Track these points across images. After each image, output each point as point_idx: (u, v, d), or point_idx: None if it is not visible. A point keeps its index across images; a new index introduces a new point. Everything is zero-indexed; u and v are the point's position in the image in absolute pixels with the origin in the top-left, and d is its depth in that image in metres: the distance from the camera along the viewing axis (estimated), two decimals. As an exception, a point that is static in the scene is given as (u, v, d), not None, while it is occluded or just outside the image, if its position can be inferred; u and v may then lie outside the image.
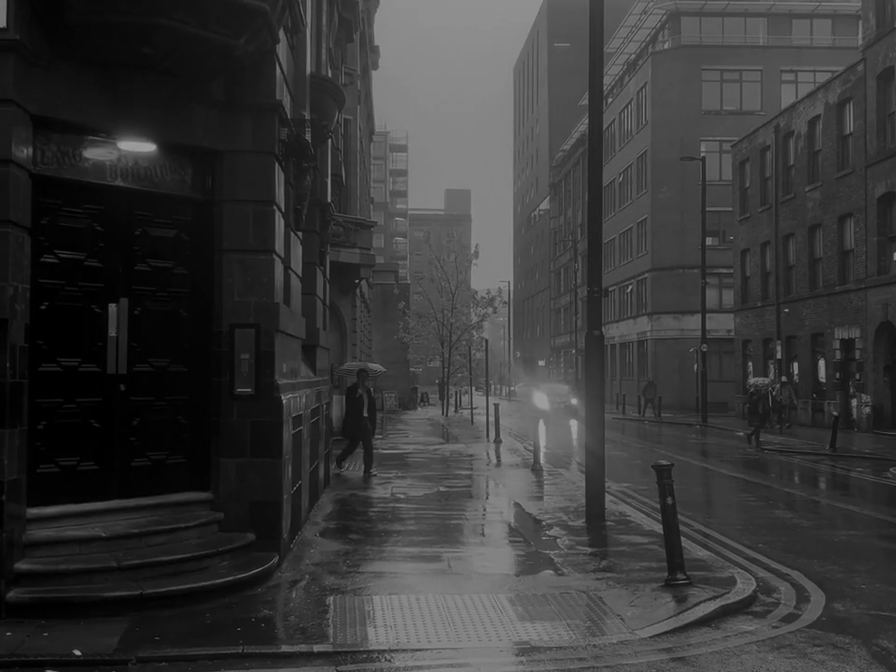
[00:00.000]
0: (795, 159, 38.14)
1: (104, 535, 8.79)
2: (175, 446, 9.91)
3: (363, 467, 18.74)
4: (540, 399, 29.54)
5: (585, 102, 62.20)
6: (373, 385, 27.76)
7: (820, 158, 35.95)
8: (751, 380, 34.70)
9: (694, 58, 54.06)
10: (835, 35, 56.25)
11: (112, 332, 9.39)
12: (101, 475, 9.27)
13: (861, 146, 32.67)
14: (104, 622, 7.72)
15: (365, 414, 18.85)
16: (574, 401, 45.22)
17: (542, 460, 20.40)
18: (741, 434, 31.31)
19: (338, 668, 6.86)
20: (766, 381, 32.78)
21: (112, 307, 9.39)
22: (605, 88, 46.73)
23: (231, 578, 8.80)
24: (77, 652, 6.99)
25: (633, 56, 64.48)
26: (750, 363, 42.83)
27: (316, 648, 7.24)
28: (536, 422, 21.07)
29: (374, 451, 19.68)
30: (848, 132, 33.89)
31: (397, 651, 7.25)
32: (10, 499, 7.91)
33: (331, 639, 7.45)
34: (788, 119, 38.91)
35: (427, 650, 7.28)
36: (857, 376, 32.50)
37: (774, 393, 32.60)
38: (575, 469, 20.12)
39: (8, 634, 7.39)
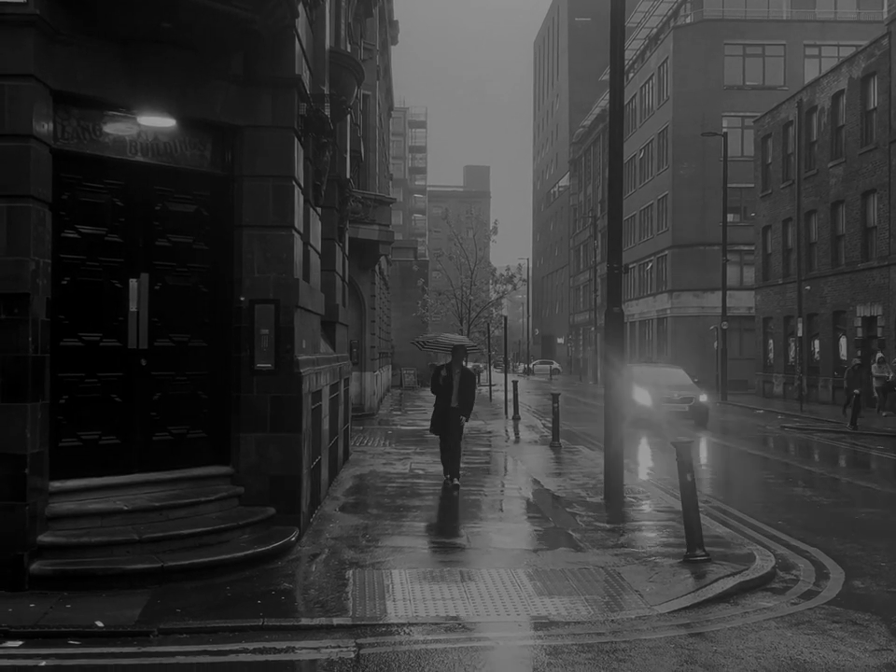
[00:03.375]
0: (818, 134, 37.74)
1: (125, 508, 8.86)
2: (195, 421, 9.97)
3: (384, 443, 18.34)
4: (642, 396, 22.61)
5: (606, 77, 61.71)
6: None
7: (843, 133, 35.56)
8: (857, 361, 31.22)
9: (717, 32, 53.48)
10: (860, 9, 55.50)
11: (133, 307, 9.43)
12: (122, 449, 9.34)
13: (884, 121, 32.28)
14: (125, 594, 7.80)
15: (454, 404, 14.35)
16: (703, 398, 27.51)
17: (561, 437, 20.41)
18: (761, 412, 31.17)
19: (357, 641, 6.91)
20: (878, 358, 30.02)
21: (133, 282, 9.43)
22: (626, 63, 46.36)
23: (251, 551, 8.88)
24: (100, 624, 7.07)
25: (654, 30, 63.82)
26: (771, 341, 42.62)
27: (336, 621, 7.30)
28: (555, 400, 21.01)
29: (394, 427, 19.15)
30: (872, 106, 33.48)
31: (415, 624, 7.29)
32: (33, 472, 7.99)
33: (350, 612, 7.50)
34: (811, 94, 38.49)
35: (445, 623, 7.31)
36: (879, 354, 32.25)
37: (881, 371, 30.21)
38: (593, 446, 20.10)
39: (32, 605, 7.48)
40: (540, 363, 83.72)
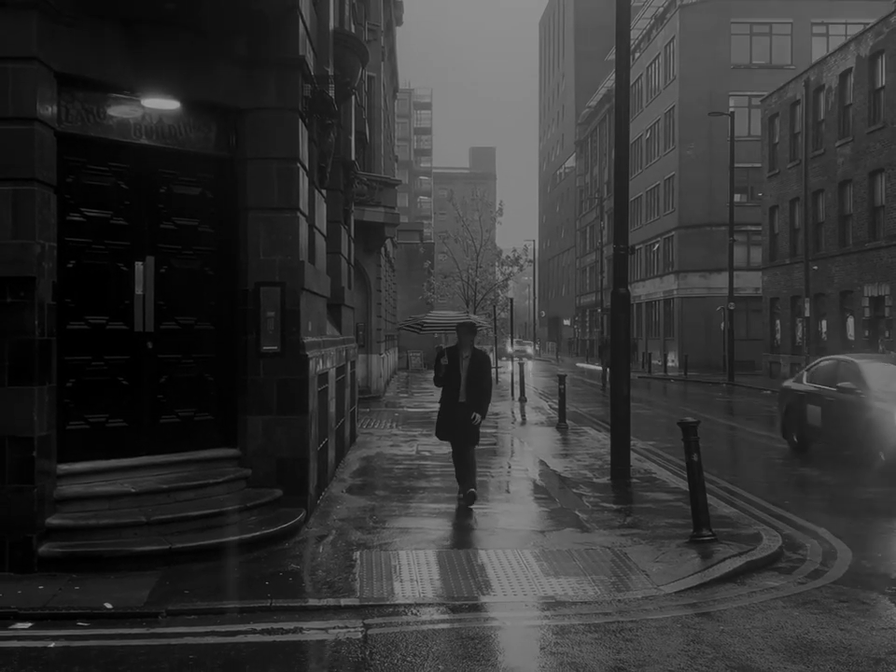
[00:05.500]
0: (826, 113, 37.51)
1: (133, 490, 8.89)
2: (202, 403, 9.99)
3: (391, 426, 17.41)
4: None
5: (612, 57, 61.35)
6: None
7: (851, 112, 35.32)
8: None
9: (723, 10, 53.08)
10: (868, -13, 55.01)
11: (139, 290, 9.44)
12: (129, 432, 9.37)
13: (892, 99, 32.04)
14: (134, 575, 7.84)
15: (462, 399, 11.22)
16: None
17: (567, 418, 20.41)
18: (768, 392, 31.14)
19: (365, 621, 6.93)
20: None
21: (138, 265, 9.43)
22: (632, 42, 46.14)
23: (258, 533, 8.90)
24: (109, 605, 7.11)
25: (660, 9, 63.35)
26: (778, 321, 42.51)
27: (343, 601, 7.32)
28: (561, 382, 21.02)
29: (401, 410, 18.68)
30: (880, 85, 33.23)
31: (423, 604, 7.31)
32: (41, 455, 8.02)
33: (358, 593, 7.53)
34: (818, 73, 38.22)
35: (452, 604, 7.33)
36: (886, 334, 32.16)
37: None
38: (600, 427, 20.11)
39: (41, 587, 7.52)
40: (517, 344, 74.35)
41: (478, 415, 11.11)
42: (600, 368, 38.70)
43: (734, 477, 14.01)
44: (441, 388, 11.62)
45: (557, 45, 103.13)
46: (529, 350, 76.33)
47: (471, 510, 10.79)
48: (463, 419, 11.11)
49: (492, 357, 43.26)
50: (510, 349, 65.24)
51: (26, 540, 7.89)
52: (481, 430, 11.59)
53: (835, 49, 37.76)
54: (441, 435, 11.62)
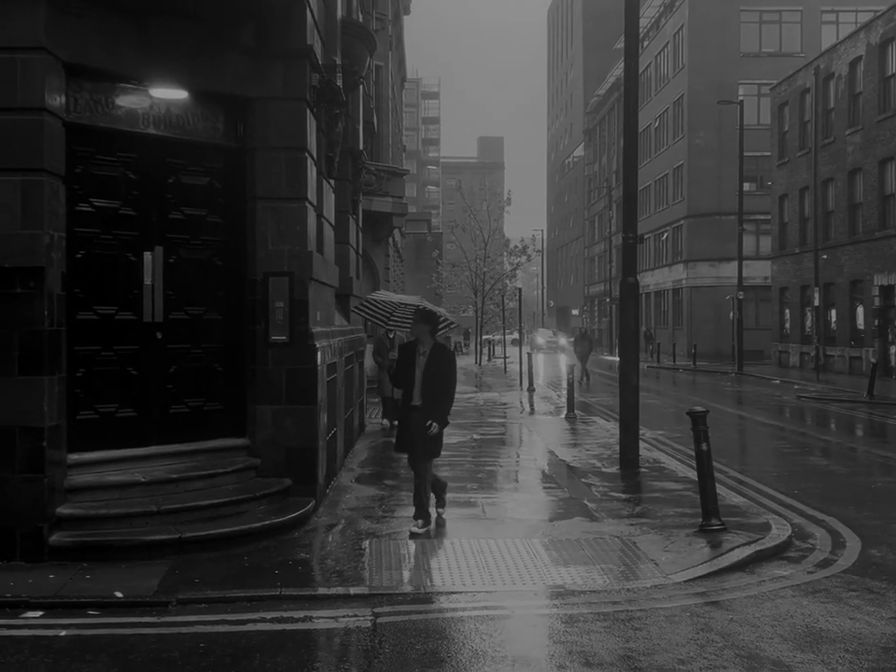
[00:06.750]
0: (835, 101, 37.32)
1: (143, 480, 8.92)
2: (211, 393, 10.01)
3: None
4: None
5: (621, 45, 61.10)
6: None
7: (861, 100, 35.13)
8: None
9: (733, -2, 52.81)
10: (879, -26, 54.66)
11: (147, 280, 9.45)
12: (139, 421, 9.40)
13: (903, 87, 31.88)
14: (144, 564, 7.87)
15: (416, 401, 9.34)
16: None
17: (576, 408, 20.40)
18: (777, 382, 31.10)
19: (374, 610, 6.95)
20: None
21: (147, 255, 9.44)
22: (641, 30, 45.87)
23: (268, 522, 8.93)
24: (119, 594, 7.14)
25: (669, -3, 63.10)
26: (787, 311, 42.40)
27: (353, 590, 7.34)
28: (570, 372, 21.00)
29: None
30: (890, 73, 33.05)
31: (432, 593, 7.33)
32: (51, 445, 8.05)
33: (367, 582, 7.55)
34: (828, 61, 38.02)
35: (462, 592, 7.36)
36: (896, 323, 32.08)
37: None
38: (609, 417, 20.10)
39: (51, 576, 7.55)
40: (544, 335, 72.50)
41: (434, 424, 9.16)
42: (605, 359, 38.54)
43: (743, 466, 13.99)
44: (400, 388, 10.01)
45: (566, 34, 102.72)
46: (563, 342, 64.93)
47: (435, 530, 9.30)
48: (417, 426, 9.25)
49: (503, 346, 43.23)
50: (539, 340, 64.68)
51: (37, 530, 7.93)
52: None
53: (845, 37, 37.55)
54: (398, 447, 9.79)
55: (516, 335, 47.96)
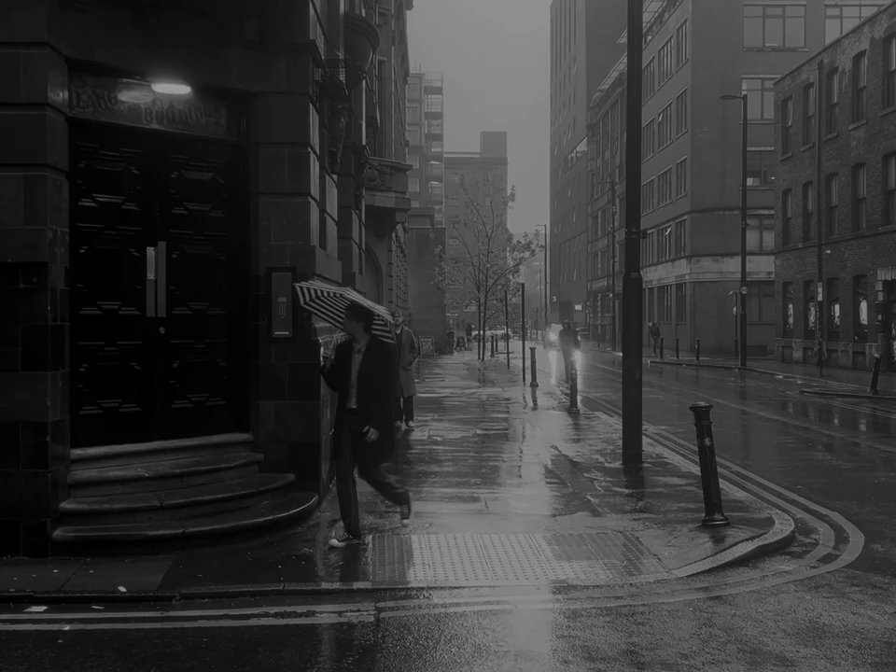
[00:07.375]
0: (839, 96, 37.24)
1: (146, 475, 8.94)
2: (214, 388, 10.01)
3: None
4: None
5: (624, 40, 60.99)
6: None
7: (865, 95, 35.05)
8: None
9: (736, -8, 52.70)
10: (883, -33, 54.51)
11: (150, 276, 9.45)
12: (142, 417, 9.41)
13: (907, 82, 31.81)
14: (147, 559, 7.89)
15: (351, 404, 8.35)
16: None
17: (579, 403, 20.40)
18: (780, 377, 31.07)
19: (377, 605, 6.96)
20: None
21: (150, 250, 9.44)
22: (644, 25, 45.78)
23: (271, 517, 8.94)
24: (123, 589, 7.15)
25: (673, -8, 62.98)
26: (790, 306, 42.35)
27: (356, 585, 7.36)
28: (573, 367, 21.01)
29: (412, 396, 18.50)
30: (894, 67, 32.96)
31: (435, 588, 7.34)
32: (54, 440, 8.06)
33: (371, 577, 7.56)
34: (832, 56, 37.93)
35: (464, 587, 7.36)
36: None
37: None
38: (612, 412, 20.10)
39: (55, 571, 7.57)
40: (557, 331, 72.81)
41: (372, 429, 8.21)
42: (607, 353, 38.31)
43: (746, 461, 13.99)
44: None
45: (569, 28, 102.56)
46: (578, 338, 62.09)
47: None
48: (353, 432, 8.33)
49: (506, 341, 43.20)
50: (552, 336, 63.72)
51: (40, 525, 7.94)
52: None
53: (849, 31, 37.45)
54: (333, 454, 8.89)
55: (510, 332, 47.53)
